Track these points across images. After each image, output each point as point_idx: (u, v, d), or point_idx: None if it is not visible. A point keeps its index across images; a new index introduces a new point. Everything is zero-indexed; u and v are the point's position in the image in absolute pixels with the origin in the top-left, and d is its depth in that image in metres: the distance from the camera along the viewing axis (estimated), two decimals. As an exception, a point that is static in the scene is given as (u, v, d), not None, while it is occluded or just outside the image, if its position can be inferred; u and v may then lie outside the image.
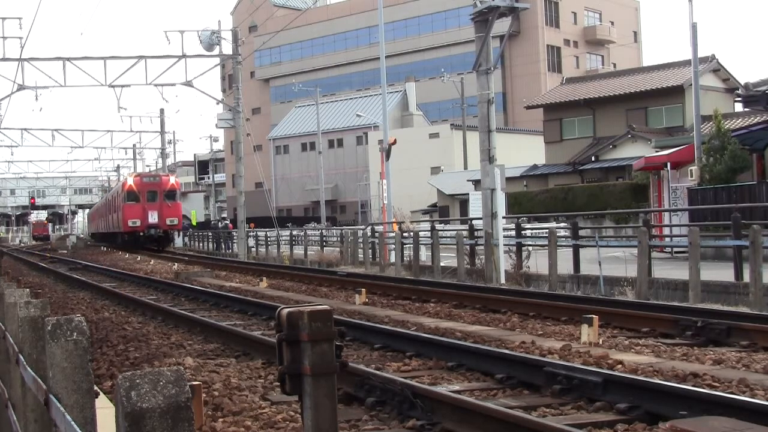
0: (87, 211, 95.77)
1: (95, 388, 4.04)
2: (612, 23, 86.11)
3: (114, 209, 50.44)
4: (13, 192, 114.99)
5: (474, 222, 25.52)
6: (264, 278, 19.71)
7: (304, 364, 4.12)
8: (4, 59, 35.80)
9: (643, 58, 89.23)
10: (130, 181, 45.22)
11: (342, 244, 30.68)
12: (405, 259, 25.46)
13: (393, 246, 25.84)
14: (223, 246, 46.06)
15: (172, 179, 46.33)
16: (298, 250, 34.79)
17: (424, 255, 25.76)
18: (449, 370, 8.19)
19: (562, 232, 23.44)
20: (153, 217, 43.95)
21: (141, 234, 44.12)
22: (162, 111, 59.78)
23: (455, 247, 22.38)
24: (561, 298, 14.24)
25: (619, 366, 7.67)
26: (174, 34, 38.66)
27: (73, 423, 2.87)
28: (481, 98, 22.02)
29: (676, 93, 45.00)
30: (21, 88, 37.72)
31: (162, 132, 59.80)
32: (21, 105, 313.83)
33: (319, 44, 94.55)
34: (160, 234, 44.54)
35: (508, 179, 28.59)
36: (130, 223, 43.78)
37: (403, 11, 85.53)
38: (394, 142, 31.18)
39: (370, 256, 27.66)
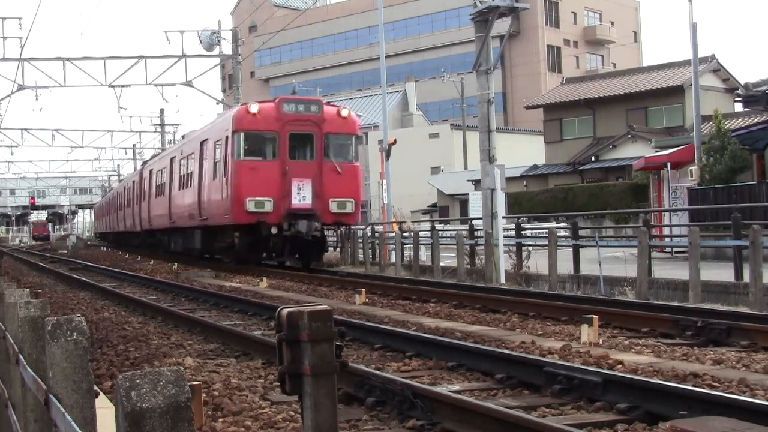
0: (100, 204, 76.36)
1: (95, 388, 4.05)
2: (612, 23, 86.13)
3: (185, 181, 28.50)
4: (13, 192, 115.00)
5: (474, 222, 25.53)
6: (264, 278, 19.70)
7: (304, 364, 4.12)
8: (4, 59, 35.82)
9: (643, 58, 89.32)
10: (254, 109, 22.34)
11: (342, 244, 30.65)
12: (405, 259, 25.46)
13: (393, 246, 25.84)
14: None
15: (345, 112, 23.24)
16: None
17: (424, 255, 25.76)
18: (449, 370, 8.19)
19: (562, 232, 23.45)
20: (303, 195, 22.23)
21: (275, 230, 22.20)
22: (162, 111, 59.81)
23: (455, 247, 22.38)
24: (561, 298, 14.24)
25: (619, 366, 7.67)
26: (174, 34, 38.94)
27: (73, 423, 2.87)
28: (481, 98, 22.04)
29: (676, 93, 45.01)
30: (21, 88, 37.74)
31: (162, 132, 59.79)
32: (21, 105, 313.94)
33: (319, 44, 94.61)
34: (315, 233, 22.59)
35: (508, 179, 28.61)
36: (249, 206, 21.91)
37: (403, 11, 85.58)
38: (394, 142, 31.18)
39: (370, 256, 27.65)
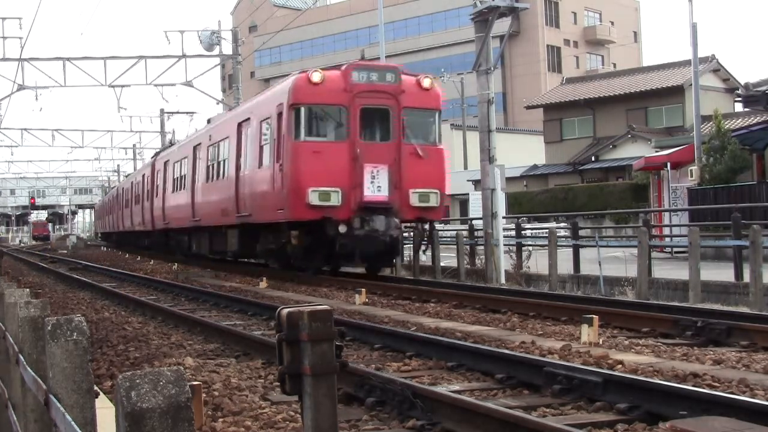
0: (102, 202, 70.87)
1: (95, 388, 4.05)
2: (612, 23, 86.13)
3: (215, 171, 24.75)
4: (13, 192, 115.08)
5: (474, 222, 25.54)
6: (264, 278, 19.70)
7: (304, 364, 4.12)
8: (4, 59, 35.83)
9: (643, 58, 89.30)
10: (317, 77, 18.37)
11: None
12: (405, 259, 25.45)
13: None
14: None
15: (427, 82, 19.21)
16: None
17: (424, 255, 25.73)
18: (449, 370, 8.19)
19: (562, 232, 23.46)
20: (378, 184, 18.40)
21: (343, 228, 17.99)
22: (162, 111, 59.77)
23: (455, 247, 22.38)
24: (561, 298, 14.24)
25: (619, 366, 7.66)
26: (174, 34, 38.84)
27: (73, 423, 2.86)
28: (481, 98, 22.04)
29: (676, 93, 45.02)
30: (21, 88, 37.75)
31: (162, 132, 59.78)
32: (21, 105, 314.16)
33: (319, 44, 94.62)
34: (393, 233, 18.39)
35: (508, 179, 28.59)
36: (312, 198, 17.96)
37: (403, 11, 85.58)
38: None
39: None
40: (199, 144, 27.39)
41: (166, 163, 33.08)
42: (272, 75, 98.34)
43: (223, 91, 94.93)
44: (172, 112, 51.00)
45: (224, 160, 23.77)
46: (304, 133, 18.40)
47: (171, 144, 37.63)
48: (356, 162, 18.18)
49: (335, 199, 18.00)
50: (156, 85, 38.40)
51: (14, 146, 58.60)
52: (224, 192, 23.23)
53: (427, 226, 19.99)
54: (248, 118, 21.79)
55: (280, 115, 18.94)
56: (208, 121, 29.97)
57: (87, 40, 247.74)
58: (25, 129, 55.29)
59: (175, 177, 30.69)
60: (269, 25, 78.86)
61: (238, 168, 22.19)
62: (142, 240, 40.98)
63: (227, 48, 38.72)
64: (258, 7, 73.70)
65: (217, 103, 47.32)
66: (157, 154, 39.10)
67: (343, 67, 18.89)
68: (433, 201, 18.80)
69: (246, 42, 47.52)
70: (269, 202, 19.49)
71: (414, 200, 18.57)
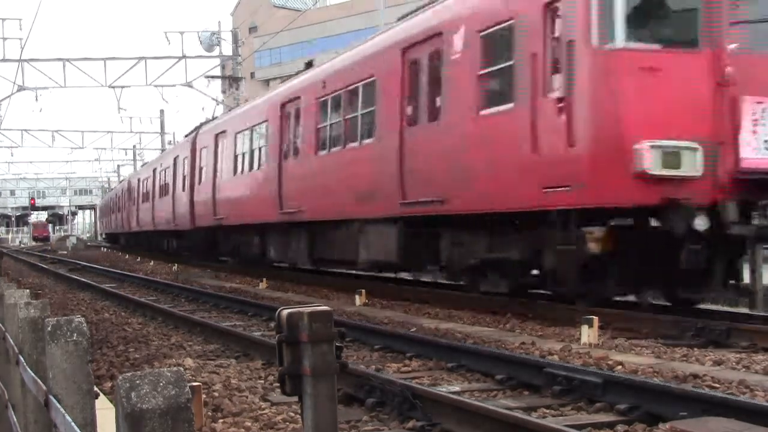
0: (107, 199, 65.31)
1: (95, 389, 4.05)
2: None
3: (340, 133, 16.89)
4: (13, 193, 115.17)
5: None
6: (264, 279, 19.69)
7: (304, 365, 4.12)
8: (5, 60, 35.88)
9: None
10: None
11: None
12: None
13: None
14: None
15: None
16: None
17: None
18: (449, 371, 8.19)
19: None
20: (765, 138, 9.57)
21: (703, 222, 9.56)
22: (162, 112, 59.91)
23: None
24: (561, 298, 14.20)
25: (619, 367, 7.67)
26: (174, 34, 39.08)
27: (73, 424, 2.86)
28: (482, 99, 21.78)
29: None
30: (21, 89, 37.78)
31: (162, 132, 59.85)
32: (21, 106, 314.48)
33: (319, 45, 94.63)
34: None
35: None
36: (649, 162, 9.45)
37: (403, 12, 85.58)
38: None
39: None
40: (294, 99, 19.38)
41: (218, 137, 24.83)
42: (273, 76, 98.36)
43: (223, 92, 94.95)
44: (214, 77, 41.22)
45: (362, 115, 16.00)
46: (625, 34, 9.90)
47: (213, 119, 29.70)
48: (724, 91, 9.85)
49: (690, 165, 9.73)
50: (156, 86, 38.46)
51: (14, 147, 58.74)
52: (365, 164, 15.59)
53: None
54: (430, 36, 13.49)
55: (548, 6, 10.67)
56: (308, 65, 21.09)
57: (87, 40, 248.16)
58: (25, 130, 55.51)
59: (240, 153, 22.74)
60: (269, 26, 78.93)
61: (402, 121, 14.26)
62: (166, 241, 34.51)
63: (227, 49, 38.80)
64: (258, 8, 73.74)
65: (217, 104, 47.36)
66: (198, 127, 29.67)
67: None
68: None
69: (246, 43, 47.54)
70: (518, 173, 11.15)
71: None
